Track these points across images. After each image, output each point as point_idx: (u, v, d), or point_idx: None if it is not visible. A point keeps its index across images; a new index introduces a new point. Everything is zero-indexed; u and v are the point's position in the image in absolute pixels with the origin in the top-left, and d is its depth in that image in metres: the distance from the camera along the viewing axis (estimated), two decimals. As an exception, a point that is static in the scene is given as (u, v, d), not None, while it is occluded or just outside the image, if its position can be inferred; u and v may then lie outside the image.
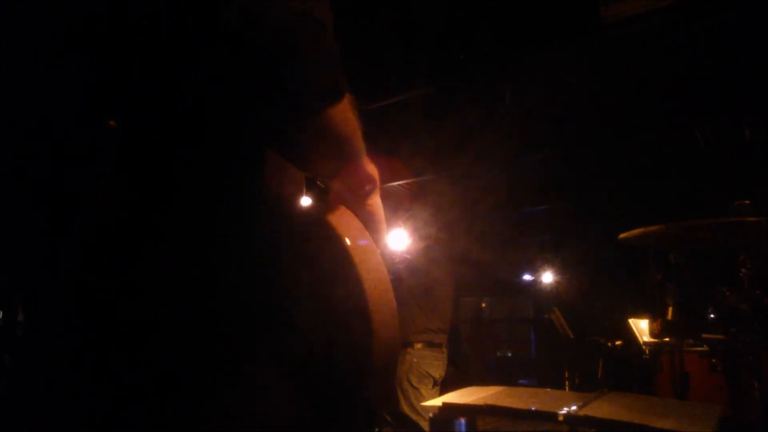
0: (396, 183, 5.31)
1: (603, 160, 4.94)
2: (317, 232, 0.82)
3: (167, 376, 0.70)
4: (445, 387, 3.76)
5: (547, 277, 6.88)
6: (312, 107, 0.65)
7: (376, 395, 0.78)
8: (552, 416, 1.53)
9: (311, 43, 0.61)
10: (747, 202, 2.26)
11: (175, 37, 0.66)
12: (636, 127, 4.14)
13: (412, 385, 3.65)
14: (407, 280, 3.94)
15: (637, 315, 3.27)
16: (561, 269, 6.74)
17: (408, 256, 4.13)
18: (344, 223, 0.81)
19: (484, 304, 7.85)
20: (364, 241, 0.80)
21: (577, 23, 3.15)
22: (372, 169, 0.87)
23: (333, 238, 0.78)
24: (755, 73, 3.38)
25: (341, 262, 0.77)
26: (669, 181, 4.80)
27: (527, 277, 7.75)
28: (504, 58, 3.49)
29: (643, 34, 3.20)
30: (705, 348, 2.35)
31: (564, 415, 1.51)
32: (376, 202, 0.90)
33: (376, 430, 4.15)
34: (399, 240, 4.25)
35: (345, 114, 0.70)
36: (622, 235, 2.36)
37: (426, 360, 3.71)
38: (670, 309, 2.35)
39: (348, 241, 0.78)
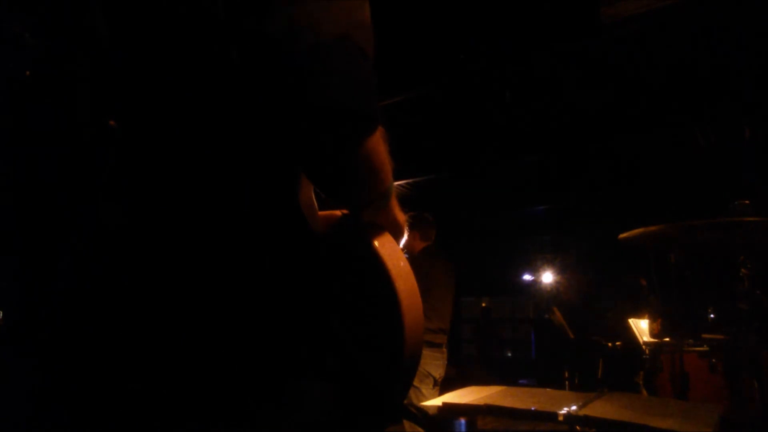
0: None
1: (603, 160, 4.94)
2: (357, 242, 0.82)
3: (205, 377, 0.69)
4: (445, 387, 3.76)
5: (547, 277, 6.88)
6: (344, 133, 0.61)
7: (402, 390, 0.80)
8: (552, 416, 1.53)
9: (348, 66, 0.59)
10: (747, 202, 2.26)
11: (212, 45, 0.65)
12: (636, 126, 4.14)
13: (413, 385, 3.66)
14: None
15: (637, 315, 3.27)
16: (561, 269, 6.74)
17: (408, 256, 4.13)
18: (379, 234, 0.82)
19: (484, 304, 7.86)
20: (399, 253, 0.81)
21: (577, 23, 3.15)
22: (400, 217, 0.85)
23: (371, 247, 0.79)
24: (755, 73, 3.38)
25: (379, 270, 0.78)
26: (669, 181, 4.80)
27: (527, 277, 7.76)
28: (504, 58, 3.50)
29: (643, 34, 3.21)
30: (705, 348, 2.35)
31: (564, 415, 1.51)
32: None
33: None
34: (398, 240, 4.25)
35: (376, 143, 0.67)
36: (622, 235, 2.36)
37: (427, 360, 3.71)
38: (656, 316, 2.35)
39: (383, 257, 0.78)
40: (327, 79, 0.58)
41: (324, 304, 0.77)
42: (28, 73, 0.76)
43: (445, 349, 3.81)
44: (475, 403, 1.68)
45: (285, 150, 0.67)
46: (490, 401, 1.68)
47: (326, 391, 0.76)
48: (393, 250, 0.80)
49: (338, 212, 0.89)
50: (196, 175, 0.70)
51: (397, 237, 0.88)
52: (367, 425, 0.81)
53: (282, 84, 0.58)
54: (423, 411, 3.52)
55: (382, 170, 0.72)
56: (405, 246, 0.91)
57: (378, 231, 0.82)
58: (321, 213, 0.85)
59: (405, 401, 3.63)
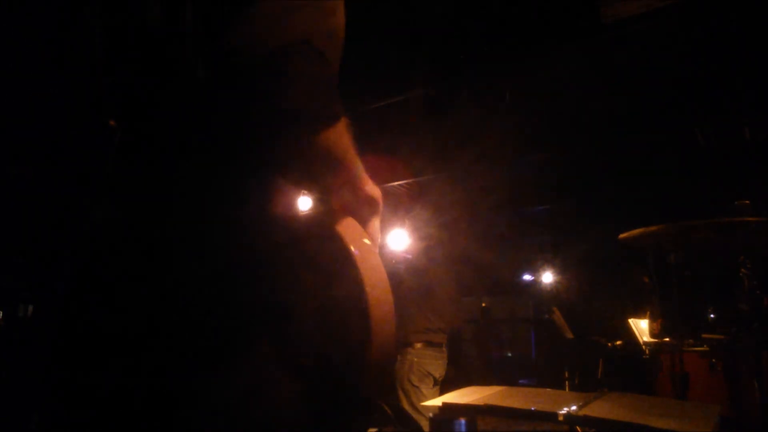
0: (396, 183, 5.31)
1: (603, 160, 4.94)
2: (319, 233, 0.85)
3: (168, 376, 0.73)
4: (445, 387, 3.77)
5: (547, 277, 6.88)
6: (301, 129, 0.69)
7: (373, 390, 0.81)
8: (552, 416, 1.53)
9: (305, 70, 0.65)
10: (747, 202, 2.26)
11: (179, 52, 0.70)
12: (636, 127, 4.14)
13: (412, 385, 3.65)
14: (407, 280, 3.94)
15: (637, 315, 3.27)
16: (561, 269, 6.74)
17: (408, 256, 4.13)
18: (345, 224, 0.84)
19: (484, 304, 7.85)
20: (365, 242, 0.83)
21: (577, 23, 3.15)
22: (373, 192, 0.90)
23: (334, 239, 0.82)
24: (755, 73, 3.38)
25: (342, 261, 0.80)
26: (669, 181, 4.80)
27: (527, 277, 7.76)
28: (504, 58, 3.49)
29: (643, 34, 3.21)
30: (705, 348, 2.35)
31: (564, 415, 1.51)
32: (374, 224, 0.93)
33: (376, 429, 4.15)
34: (399, 240, 4.25)
35: (337, 136, 0.74)
36: (622, 235, 2.36)
37: (426, 359, 3.71)
38: (656, 316, 2.35)
39: (349, 241, 0.81)
40: (283, 82, 0.64)
41: (294, 298, 0.80)
42: (29, 73, 0.79)
43: (445, 349, 3.82)
44: (475, 403, 1.68)
45: (252, 148, 0.73)
46: (490, 401, 1.68)
47: (296, 387, 0.79)
48: (362, 246, 0.83)
49: (320, 211, 0.92)
50: (173, 179, 0.77)
51: (374, 212, 0.92)
52: (338, 421, 0.83)
53: (242, 89, 0.65)
54: (422, 414, 3.52)
55: (345, 158, 0.79)
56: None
57: (349, 225, 0.85)
58: (303, 213, 0.93)
59: (407, 408, 3.63)
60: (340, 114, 0.72)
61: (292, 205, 0.87)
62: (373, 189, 0.91)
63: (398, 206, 4.98)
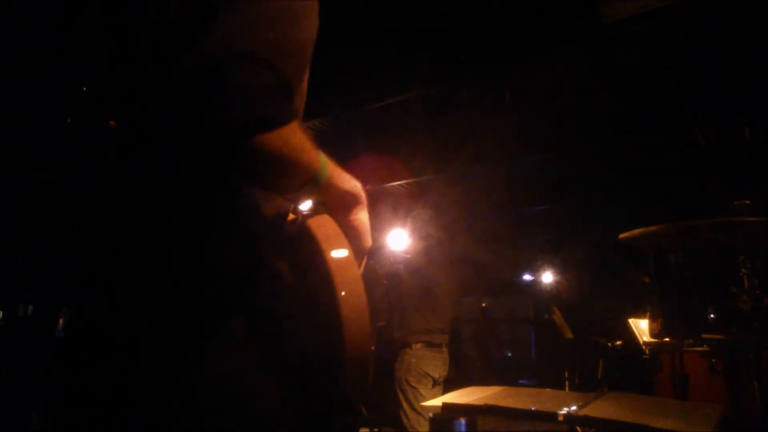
0: (396, 183, 5.31)
1: (603, 160, 4.94)
2: (297, 233, 0.88)
3: (151, 369, 0.78)
4: (445, 387, 3.76)
5: (547, 277, 6.87)
6: (239, 135, 0.73)
7: (352, 388, 0.83)
8: (552, 416, 1.53)
9: (246, 78, 0.71)
10: (747, 202, 2.26)
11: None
12: (636, 127, 4.14)
13: (410, 385, 3.65)
14: (407, 281, 3.93)
15: (637, 315, 3.27)
16: (561, 269, 6.73)
17: (408, 256, 4.13)
18: (319, 224, 0.87)
19: (484, 304, 7.85)
20: (338, 241, 0.85)
21: (577, 23, 3.15)
22: (350, 186, 0.92)
23: (308, 239, 0.85)
24: (755, 73, 3.38)
25: (315, 260, 0.83)
26: (669, 181, 4.80)
27: (527, 277, 7.76)
28: (504, 58, 3.49)
29: (643, 34, 3.20)
30: (705, 348, 2.35)
31: (564, 415, 1.51)
32: (360, 217, 0.96)
33: (376, 429, 4.15)
34: (399, 240, 4.25)
35: (286, 138, 0.77)
36: (622, 235, 2.36)
37: (424, 360, 3.70)
38: (656, 316, 2.35)
39: (321, 241, 0.84)
40: (223, 90, 0.70)
41: (273, 296, 0.85)
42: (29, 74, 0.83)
43: (445, 349, 3.81)
44: (475, 403, 1.68)
45: (206, 153, 0.78)
46: (490, 401, 1.68)
47: (275, 386, 0.82)
48: (333, 243, 0.85)
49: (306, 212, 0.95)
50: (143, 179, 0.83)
51: (356, 207, 0.95)
52: (317, 420, 0.86)
53: (188, 98, 0.71)
54: (421, 415, 3.52)
55: (298, 159, 0.81)
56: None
57: (321, 223, 0.88)
58: (291, 217, 0.94)
59: (406, 409, 3.63)
60: (288, 118, 0.76)
61: (266, 207, 0.89)
62: (349, 183, 0.93)
63: (398, 206, 4.98)
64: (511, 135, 4.21)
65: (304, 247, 0.85)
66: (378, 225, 4.50)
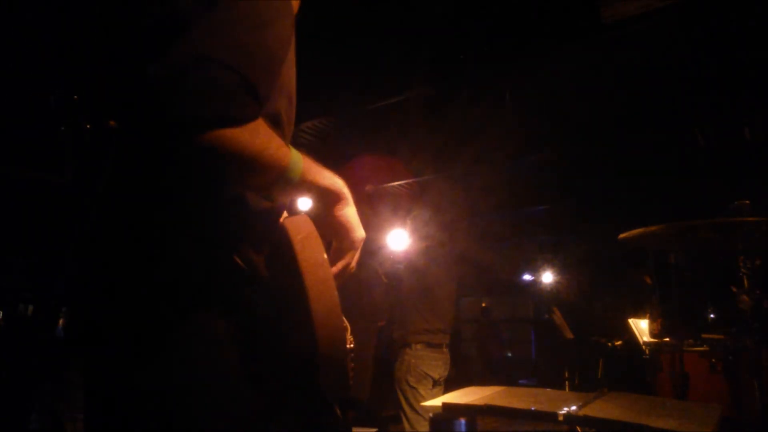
0: (396, 183, 5.31)
1: (603, 160, 4.94)
2: (274, 233, 0.90)
3: (132, 368, 0.81)
4: (445, 387, 3.76)
5: (547, 277, 6.88)
6: (190, 134, 0.75)
7: (332, 385, 0.85)
8: (552, 416, 1.53)
9: (200, 81, 0.74)
10: (747, 202, 2.26)
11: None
12: (636, 127, 4.14)
13: (410, 386, 3.65)
14: (407, 281, 3.93)
15: (637, 315, 3.27)
16: (561, 269, 6.74)
17: (408, 256, 4.13)
18: (294, 224, 0.88)
19: (484, 304, 7.85)
20: (310, 241, 0.87)
21: (577, 23, 3.15)
22: (329, 183, 0.94)
23: (285, 239, 0.86)
24: (755, 73, 3.38)
25: (288, 260, 0.85)
26: (669, 181, 4.80)
27: (527, 277, 7.76)
28: (504, 58, 3.49)
29: (643, 34, 3.20)
30: (705, 348, 2.35)
31: (564, 415, 1.51)
32: (345, 212, 0.98)
33: (376, 429, 4.15)
34: (399, 240, 4.25)
35: (248, 137, 0.79)
36: (622, 235, 2.36)
37: (424, 360, 3.70)
38: (656, 316, 2.35)
39: (294, 241, 0.85)
40: (179, 93, 0.73)
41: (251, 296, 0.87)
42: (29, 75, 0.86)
43: (446, 349, 3.80)
44: (475, 403, 1.68)
45: (170, 154, 0.81)
46: (490, 401, 1.68)
47: (257, 384, 0.84)
48: (306, 244, 0.86)
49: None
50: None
51: (339, 203, 0.97)
52: (301, 418, 0.89)
53: (149, 103, 0.75)
54: (421, 415, 3.52)
55: (261, 157, 0.82)
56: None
57: (295, 222, 0.89)
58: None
59: (406, 409, 3.63)
60: (246, 117, 0.79)
61: (253, 206, 0.91)
62: (328, 179, 0.94)
63: (398, 206, 4.98)
64: (511, 135, 4.21)
65: (281, 248, 0.87)
66: (378, 225, 4.50)
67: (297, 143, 4.44)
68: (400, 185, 5.43)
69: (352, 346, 1.03)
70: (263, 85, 0.81)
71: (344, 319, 1.03)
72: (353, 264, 1.04)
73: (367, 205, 5.00)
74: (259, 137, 0.81)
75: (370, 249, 4.31)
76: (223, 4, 0.80)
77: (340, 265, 1.02)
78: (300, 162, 0.88)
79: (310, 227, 0.88)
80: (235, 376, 0.83)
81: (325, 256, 0.87)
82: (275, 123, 0.92)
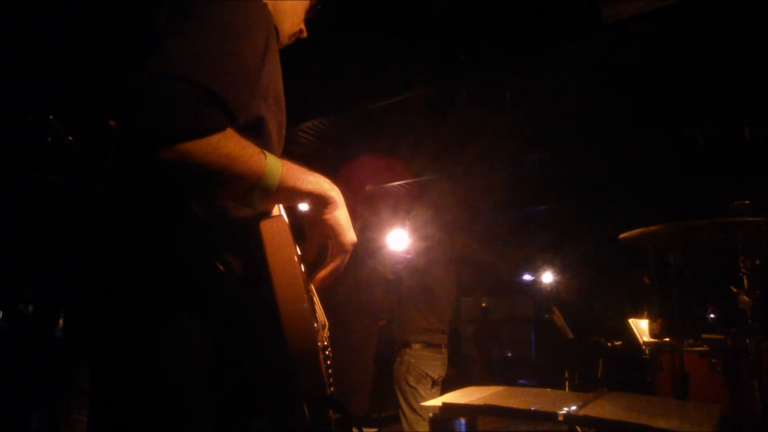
0: (396, 183, 5.31)
1: (603, 160, 4.94)
2: (250, 235, 0.90)
3: (112, 367, 0.85)
4: (445, 387, 3.76)
5: (547, 277, 6.88)
6: (154, 147, 0.78)
7: (300, 383, 0.86)
8: (552, 416, 1.53)
9: (168, 95, 0.77)
10: (747, 202, 2.26)
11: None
12: (636, 127, 4.14)
13: (409, 386, 3.65)
14: (407, 280, 3.93)
15: (637, 315, 3.27)
16: (561, 269, 6.74)
17: (408, 256, 4.13)
18: (266, 225, 0.89)
19: (484, 304, 7.85)
20: (280, 241, 0.88)
21: (577, 23, 3.15)
22: (312, 188, 0.94)
23: (257, 239, 0.87)
24: (755, 73, 3.38)
25: (259, 260, 0.86)
26: (669, 181, 4.80)
27: (527, 277, 7.76)
28: (504, 58, 3.49)
29: (643, 34, 3.20)
30: (705, 348, 2.35)
31: (564, 415, 1.51)
32: (333, 215, 0.97)
33: (375, 430, 4.15)
34: (399, 240, 4.25)
35: (214, 147, 0.81)
36: (622, 235, 2.36)
37: (424, 360, 3.70)
38: (656, 316, 2.35)
39: (265, 241, 0.87)
40: (143, 109, 0.77)
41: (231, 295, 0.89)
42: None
43: (445, 349, 3.81)
44: (475, 403, 1.68)
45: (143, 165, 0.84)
46: (490, 401, 1.68)
47: (233, 384, 0.87)
48: (276, 245, 0.88)
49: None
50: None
51: (327, 207, 0.97)
52: (269, 420, 0.91)
53: (121, 118, 0.78)
54: (420, 415, 3.52)
55: (232, 167, 0.83)
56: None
57: (272, 226, 0.90)
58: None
59: (405, 409, 3.63)
60: (213, 128, 0.80)
61: (236, 211, 0.92)
62: (311, 185, 0.94)
63: (398, 206, 4.98)
64: (511, 135, 4.21)
65: (255, 250, 0.88)
66: (378, 225, 4.50)
67: (297, 143, 4.45)
68: (400, 185, 5.43)
69: (326, 343, 1.03)
70: (232, 96, 0.82)
71: (323, 316, 1.04)
72: (341, 267, 1.03)
73: (367, 205, 5.00)
74: (227, 147, 0.82)
75: (370, 249, 4.31)
76: (197, 17, 0.83)
77: (329, 268, 1.02)
78: (278, 169, 0.88)
79: (282, 227, 0.89)
80: (206, 379, 0.85)
81: (297, 255, 0.89)
82: (257, 129, 0.93)
